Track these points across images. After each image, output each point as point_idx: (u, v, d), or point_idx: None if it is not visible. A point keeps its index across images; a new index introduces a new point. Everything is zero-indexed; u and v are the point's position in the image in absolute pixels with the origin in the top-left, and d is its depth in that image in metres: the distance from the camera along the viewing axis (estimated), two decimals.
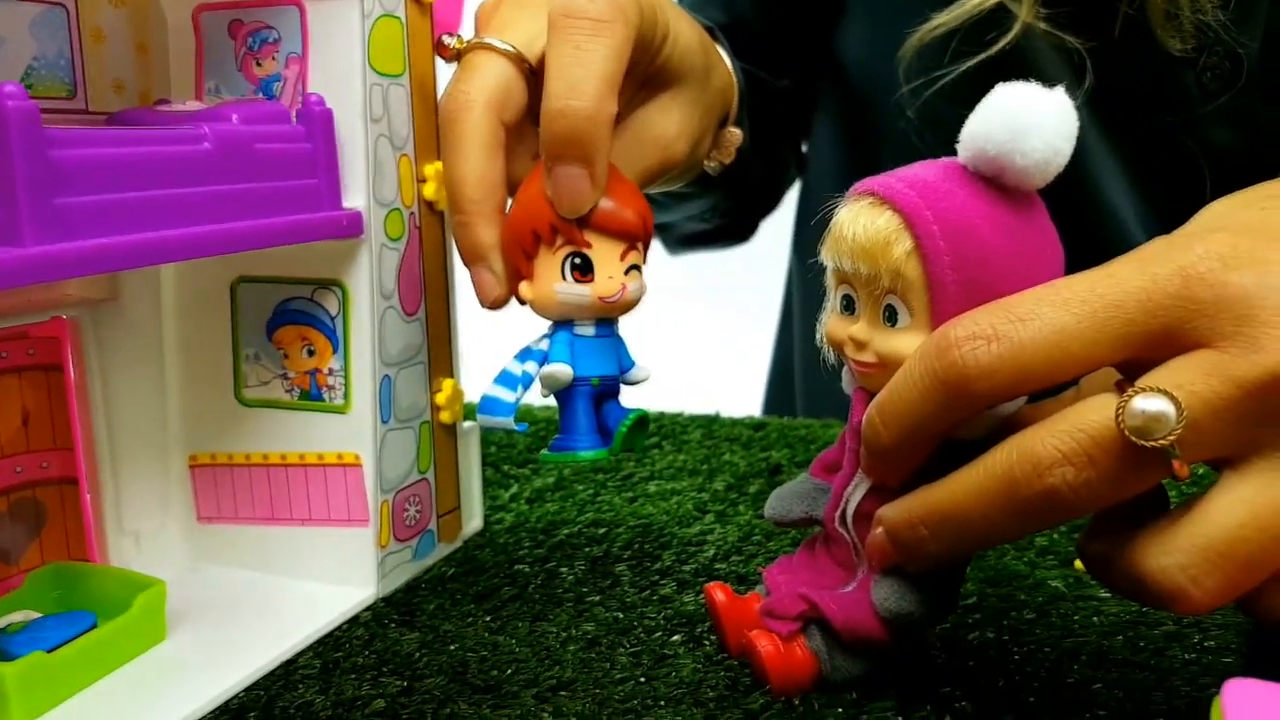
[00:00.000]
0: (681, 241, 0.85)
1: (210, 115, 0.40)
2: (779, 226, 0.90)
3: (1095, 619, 0.43)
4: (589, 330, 0.43)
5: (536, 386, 0.43)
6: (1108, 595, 0.45)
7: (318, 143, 0.42)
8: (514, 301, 0.44)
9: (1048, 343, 0.31)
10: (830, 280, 0.38)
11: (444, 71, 0.50)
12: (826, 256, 0.37)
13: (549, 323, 0.44)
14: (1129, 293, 0.31)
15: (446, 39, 0.45)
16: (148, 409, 0.47)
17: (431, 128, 0.48)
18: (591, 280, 0.41)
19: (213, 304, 0.47)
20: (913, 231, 0.34)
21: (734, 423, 0.73)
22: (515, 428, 0.43)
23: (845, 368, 0.38)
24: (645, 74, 0.46)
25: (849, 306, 0.37)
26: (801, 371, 0.88)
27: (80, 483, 0.43)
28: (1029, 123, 0.34)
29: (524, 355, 0.43)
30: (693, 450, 0.67)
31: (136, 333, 0.46)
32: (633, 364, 0.45)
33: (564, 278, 0.42)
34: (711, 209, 0.77)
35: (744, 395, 0.95)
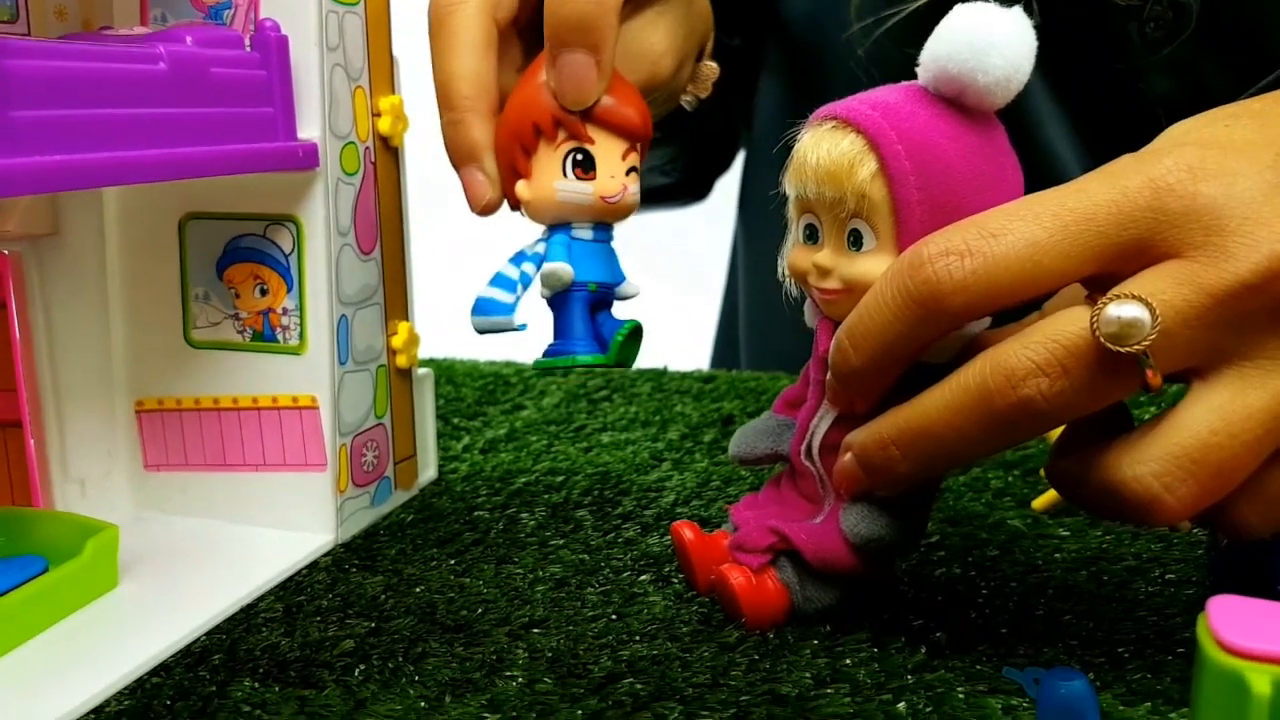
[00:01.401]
0: (643, 199, 0.85)
1: (164, 36, 0.38)
2: (723, 186, 0.90)
3: (1058, 555, 0.43)
4: (587, 234, 0.42)
5: (534, 289, 0.42)
6: (1068, 533, 0.45)
7: (273, 70, 0.41)
8: (504, 208, 0.43)
9: (1021, 257, 0.31)
10: (792, 210, 0.37)
11: (400, 6, 0.48)
12: (789, 184, 0.37)
13: (542, 228, 0.43)
14: (1100, 205, 0.31)
15: None
16: (92, 351, 0.45)
17: (386, 59, 0.47)
18: (593, 178, 0.40)
19: (160, 241, 0.45)
20: (877, 153, 0.34)
21: (683, 376, 0.73)
22: (517, 326, 0.42)
23: (808, 301, 0.38)
24: None
25: (812, 236, 0.37)
26: (746, 329, 0.88)
27: (24, 426, 0.42)
28: (990, 41, 0.34)
29: (518, 258, 0.42)
30: (643, 403, 0.67)
31: (80, 270, 0.44)
32: (624, 278, 0.44)
33: (565, 175, 0.40)
34: (672, 161, 0.77)
35: (688, 355, 0.95)
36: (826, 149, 0.35)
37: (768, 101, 0.83)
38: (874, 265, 0.35)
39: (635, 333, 0.43)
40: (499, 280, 0.42)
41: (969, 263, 0.31)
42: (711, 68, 0.55)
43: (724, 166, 0.88)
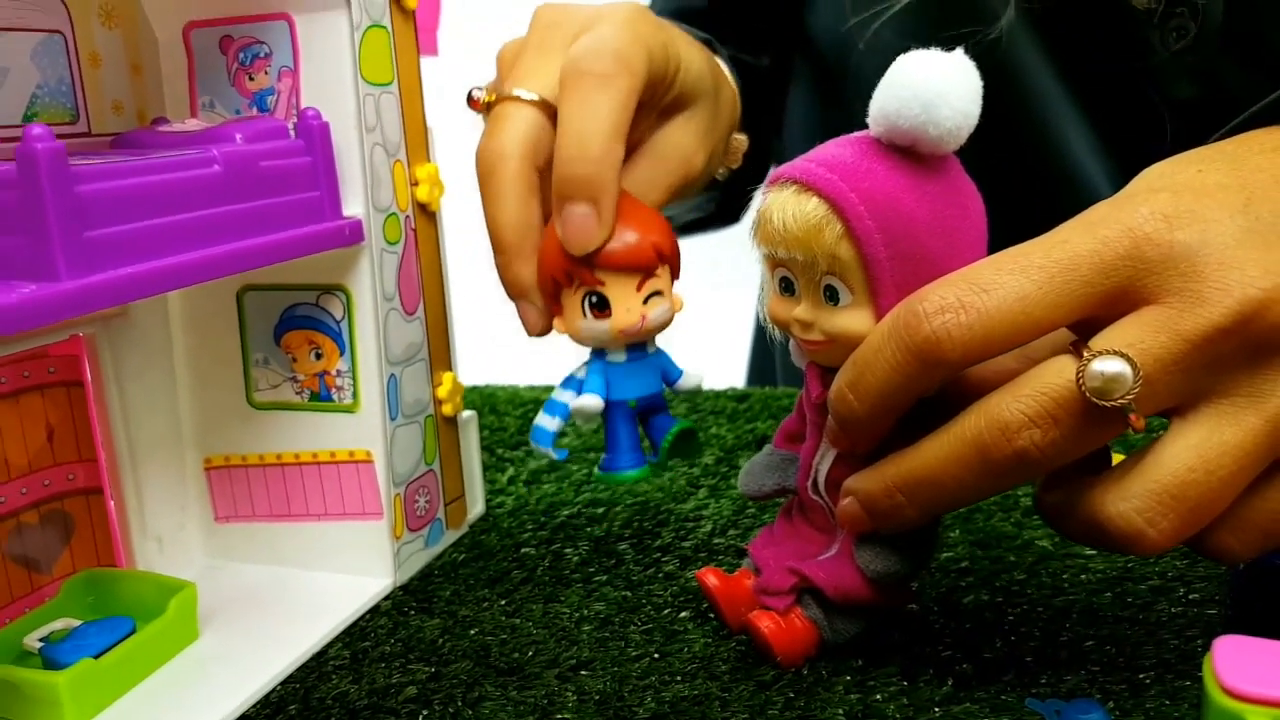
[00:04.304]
0: (680, 230, 0.87)
1: (215, 136, 0.41)
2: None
3: (1083, 576, 0.45)
4: (620, 357, 0.45)
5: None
6: (1094, 553, 0.47)
7: (317, 155, 0.44)
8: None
9: (1012, 309, 0.33)
10: (764, 264, 0.39)
11: (429, 74, 0.51)
12: (759, 244, 0.38)
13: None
14: (1082, 255, 0.33)
15: (475, 93, 0.47)
16: (163, 417, 0.49)
17: (421, 130, 0.50)
18: (610, 315, 0.43)
19: (220, 313, 0.48)
20: (841, 215, 0.35)
21: (717, 395, 0.75)
22: (555, 456, 0.46)
23: (792, 343, 0.40)
24: (662, 103, 0.49)
25: (788, 288, 0.38)
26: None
27: (105, 491, 0.45)
28: (937, 93, 0.35)
29: (567, 383, 0.46)
30: None
31: (148, 345, 0.47)
32: (679, 374, 0.47)
33: (585, 315, 0.43)
34: (707, 199, 0.79)
35: (726, 365, 0.98)
36: (792, 213, 0.36)
37: (797, 114, 0.85)
38: (853, 319, 0.36)
39: (684, 435, 0.46)
40: (549, 406, 0.46)
41: (964, 317, 0.33)
42: (740, 140, 0.58)
43: (757, 183, 0.90)
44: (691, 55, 0.50)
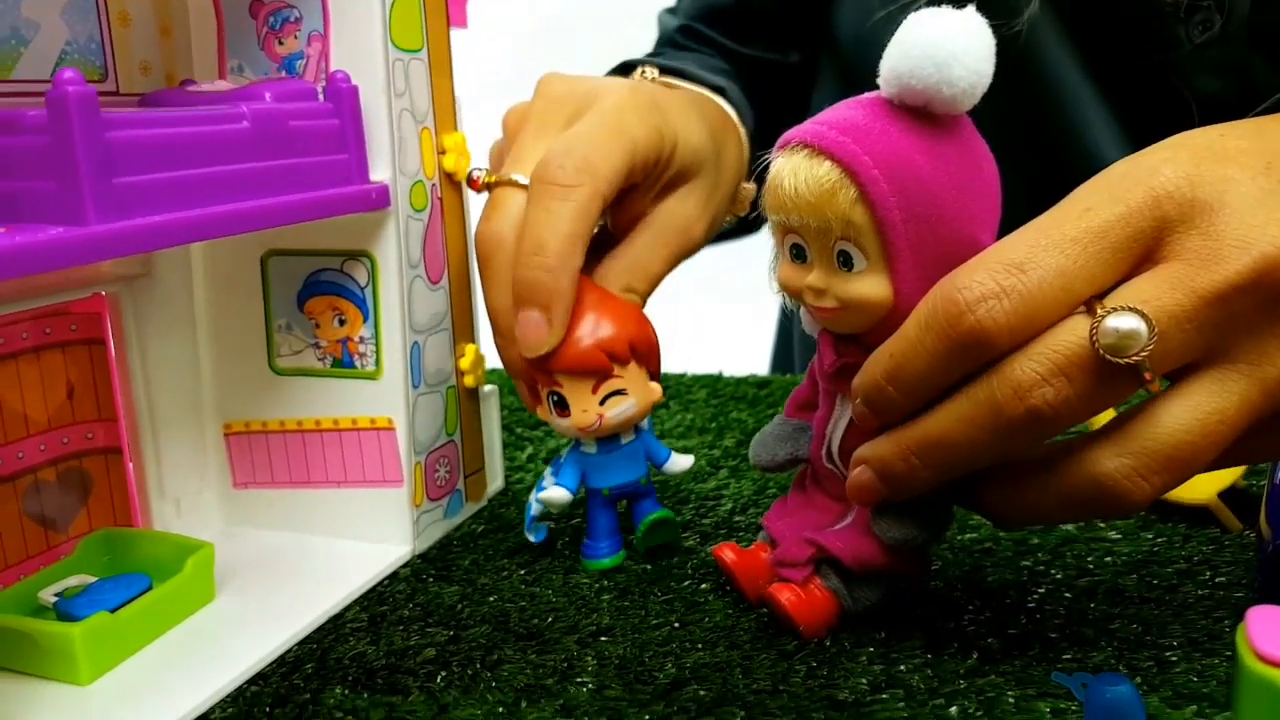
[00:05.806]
0: None
1: (245, 94, 0.41)
2: None
3: (1108, 559, 0.45)
4: (591, 449, 0.46)
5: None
6: (1119, 536, 0.47)
7: (345, 119, 0.44)
8: None
9: (1054, 286, 0.32)
10: (775, 231, 0.38)
11: (459, 44, 0.51)
12: (768, 210, 0.37)
13: None
14: (1110, 223, 0.33)
15: (475, 173, 0.49)
16: (184, 380, 0.48)
17: (449, 99, 0.49)
18: (569, 415, 0.44)
19: (244, 277, 0.48)
20: (855, 179, 0.34)
21: (738, 381, 0.75)
22: (531, 538, 0.47)
23: (803, 311, 0.39)
24: (661, 181, 0.50)
25: (800, 255, 0.37)
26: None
27: (124, 452, 0.45)
28: (951, 52, 0.34)
29: (552, 467, 0.47)
30: (699, 409, 0.69)
31: (171, 306, 0.47)
32: (665, 456, 0.48)
33: (551, 413, 0.45)
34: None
35: (749, 352, 0.97)
36: (804, 178, 0.35)
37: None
38: (868, 285, 0.36)
39: (660, 524, 0.47)
40: (537, 487, 0.47)
41: (1008, 303, 0.32)
42: (748, 189, 0.59)
43: None
44: (690, 128, 0.51)
